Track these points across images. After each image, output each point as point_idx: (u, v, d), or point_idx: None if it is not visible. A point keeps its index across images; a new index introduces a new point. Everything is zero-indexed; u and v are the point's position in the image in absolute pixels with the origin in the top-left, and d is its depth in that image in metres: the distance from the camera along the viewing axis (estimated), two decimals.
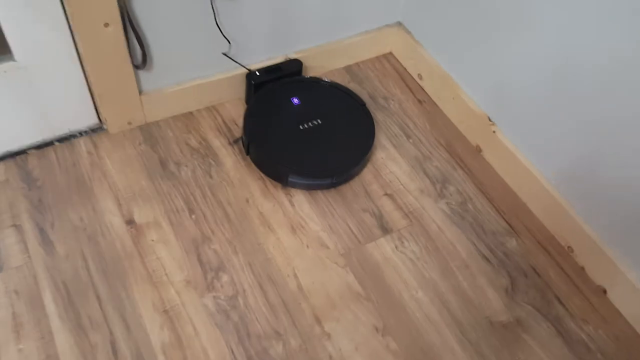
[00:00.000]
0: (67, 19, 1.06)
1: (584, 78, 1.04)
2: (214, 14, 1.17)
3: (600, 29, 0.97)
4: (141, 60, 1.18)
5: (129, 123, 1.28)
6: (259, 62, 1.34)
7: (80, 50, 1.12)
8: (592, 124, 1.06)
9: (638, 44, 0.92)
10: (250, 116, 1.27)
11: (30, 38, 1.06)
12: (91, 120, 1.26)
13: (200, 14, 1.16)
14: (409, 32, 1.45)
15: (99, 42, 1.10)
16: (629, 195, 1.04)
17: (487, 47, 1.23)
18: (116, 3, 1.05)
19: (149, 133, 1.29)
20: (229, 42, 1.24)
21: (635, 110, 0.97)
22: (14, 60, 1.08)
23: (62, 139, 1.25)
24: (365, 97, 1.41)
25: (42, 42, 1.08)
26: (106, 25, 1.07)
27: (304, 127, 1.26)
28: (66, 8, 1.04)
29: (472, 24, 1.24)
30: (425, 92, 1.44)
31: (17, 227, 1.12)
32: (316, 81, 1.35)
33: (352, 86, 1.43)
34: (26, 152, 1.23)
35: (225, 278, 1.10)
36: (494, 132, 1.28)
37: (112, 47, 1.11)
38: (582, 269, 1.18)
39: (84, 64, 1.15)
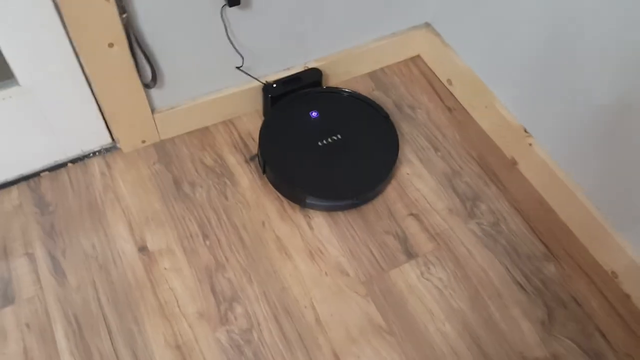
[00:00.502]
0: (70, 40, 1.02)
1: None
2: (225, 27, 1.10)
3: None
4: (151, 79, 1.12)
5: (143, 141, 1.24)
6: (276, 72, 1.27)
7: (86, 71, 1.07)
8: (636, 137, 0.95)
9: None
10: (266, 133, 1.20)
11: (33, 62, 1.02)
12: (104, 139, 1.22)
13: (210, 28, 1.09)
14: (437, 34, 1.34)
15: (104, 63, 1.05)
16: None
17: (524, 50, 1.12)
18: (120, 23, 0.99)
19: (163, 151, 1.24)
20: (242, 57, 1.17)
21: None
22: (18, 84, 1.04)
23: (75, 160, 1.22)
24: (390, 106, 1.32)
25: (45, 65, 1.03)
26: (111, 45, 1.02)
27: (323, 143, 1.19)
28: (68, 30, 0.99)
29: (507, 25, 1.13)
30: (456, 99, 1.34)
31: (30, 256, 1.10)
32: (336, 92, 1.27)
33: (376, 94, 1.34)
34: (39, 175, 1.20)
35: (239, 310, 1.05)
36: (530, 144, 1.17)
37: (119, 67, 1.06)
38: (628, 297, 1.08)
39: (92, 85, 1.10)
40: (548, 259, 1.12)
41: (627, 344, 1.02)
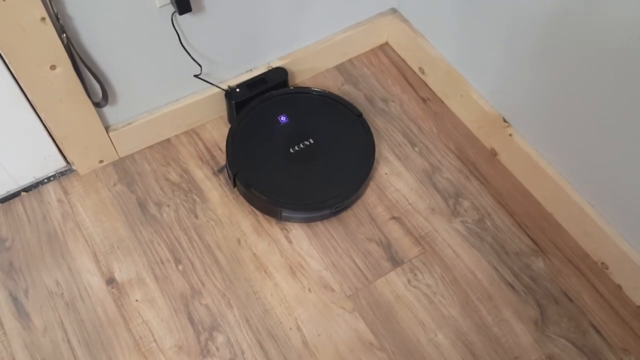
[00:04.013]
0: (7, 67, 0.92)
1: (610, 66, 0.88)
2: (178, 35, 1.01)
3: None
4: (102, 97, 1.03)
5: (100, 161, 1.15)
6: (238, 75, 1.19)
7: (29, 96, 0.97)
8: (620, 122, 0.90)
9: None
10: (233, 143, 1.12)
11: None
12: (57, 163, 1.13)
13: (162, 38, 1.00)
14: (405, 20, 1.27)
15: (48, 87, 0.95)
16: None
17: (498, 34, 1.05)
18: (60, 44, 0.90)
19: (123, 170, 1.16)
20: (200, 65, 1.08)
21: None
22: None
23: (29, 188, 1.13)
24: (361, 100, 1.25)
25: None
26: (53, 67, 0.93)
27: (295, 149, 1.12)
28: (4, 57, 0.89)
29: (478, 7, 1.07)
30: (429, 88, 1.28)
31: None
32: (304, 92, 1.20)
33: (347, 89, 1.27)
34: None
35: (220, 339, 0.99)
36: (510, 135, 1.12)
37: (65, 89, 0.97)
38: (619, 287, 1.05)
39: (37, 110, 1.01)
40: (536, 253, 1.08)
41: (622, 338, 1.00)
